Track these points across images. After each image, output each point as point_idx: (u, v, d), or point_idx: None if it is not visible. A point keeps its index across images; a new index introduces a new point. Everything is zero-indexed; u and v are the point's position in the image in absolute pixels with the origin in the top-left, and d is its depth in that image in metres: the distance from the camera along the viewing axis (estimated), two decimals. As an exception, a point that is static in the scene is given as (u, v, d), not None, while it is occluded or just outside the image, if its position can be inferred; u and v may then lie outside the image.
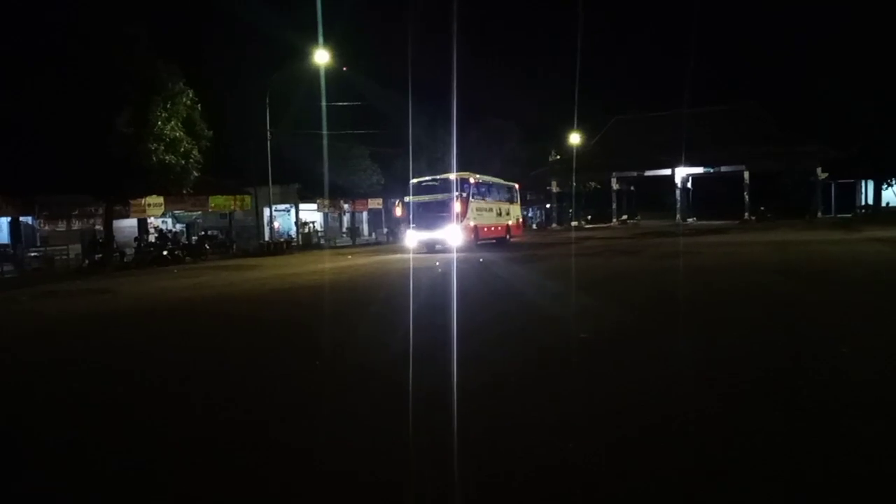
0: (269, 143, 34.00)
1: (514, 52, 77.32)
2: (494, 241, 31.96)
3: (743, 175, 53.49)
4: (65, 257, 27.85)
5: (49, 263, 26.79)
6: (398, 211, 32.46)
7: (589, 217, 61.66)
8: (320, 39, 31.65)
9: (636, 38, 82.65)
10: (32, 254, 27.40)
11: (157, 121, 24.79)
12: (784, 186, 52.92)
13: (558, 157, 60.17)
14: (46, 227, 28.79)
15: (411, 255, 25.40)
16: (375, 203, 48.35)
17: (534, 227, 62.04)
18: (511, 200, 35.50)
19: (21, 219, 28.36)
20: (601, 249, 25.53)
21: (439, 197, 28.53)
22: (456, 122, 48.14)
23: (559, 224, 60.41)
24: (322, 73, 33.96)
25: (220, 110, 29.07)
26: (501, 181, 35.44)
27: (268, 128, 33.89)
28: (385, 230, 46.97)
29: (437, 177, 30.44)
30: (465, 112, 50.56)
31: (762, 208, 52.48)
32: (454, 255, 24.28)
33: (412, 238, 28.80)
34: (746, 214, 52.20)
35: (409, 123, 36.65)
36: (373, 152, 43.29)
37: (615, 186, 60.47)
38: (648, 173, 58.81)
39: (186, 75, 26.14)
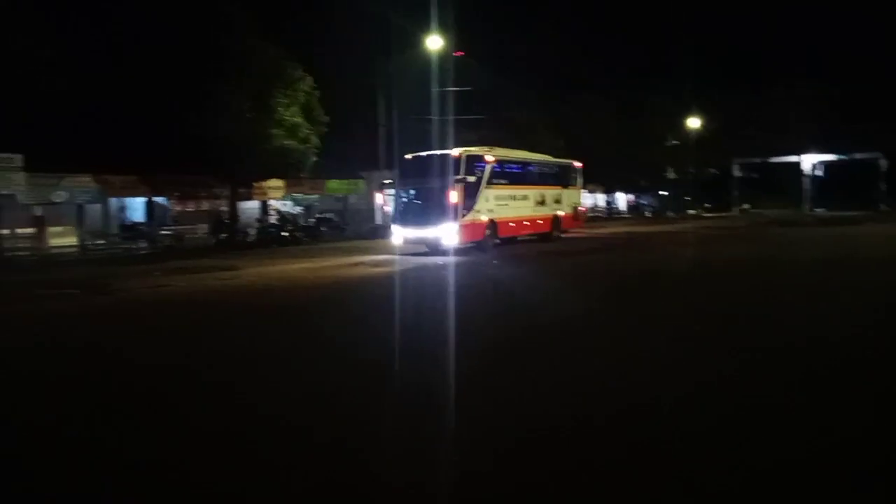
0: (381, 129, 34.71)
1: (628, 30, 74.75)
2: (531, 237, 25.66)
3: (879, 163, 49.74)
4: (193, 235, 29.59)
5: (179, 241, 28.57)
6: (378, 198, 26.32)
7: (707, 205, 59.21)
8: (433, 24, 31.85)
9: (759, 13, 77.72)
10: (164, 232, 29.28)
11: (279, 107, 25.88)
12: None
13: (675, 142, 58.00)
14: (177, 207, 30.74)
15: (397, 258, 20.13)
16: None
17: (648, 214, 60.27)
18: (563, 184, 28.06)
19: (155, 199, 30.35)
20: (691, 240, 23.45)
21: (432, 182, 21.38)
22: (559, 102, 47.32)
23: (675, 212, 58.38)
24: (434, 58, 34.19)
25: (333, 96, 29.87)
26: (546, 158, 28.68)
27: (380, 114, 34.57)
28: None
29: (435, 152, 22.98)
30: (571, 91, 49.38)
31: (900, 198, 48.73)
32: (451, 259, 18.94)
33: (397, 235, 22.19)
34: (882, 205, 48.56)
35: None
36: (480, 138, 43.24)
37: (736, 173, 57.78)
38: (773, 160, 55.82)
39: (302, 60, 27.06)
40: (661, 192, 64.36)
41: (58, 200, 25.64)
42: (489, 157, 22.96)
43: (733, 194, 57.64)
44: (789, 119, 52.78)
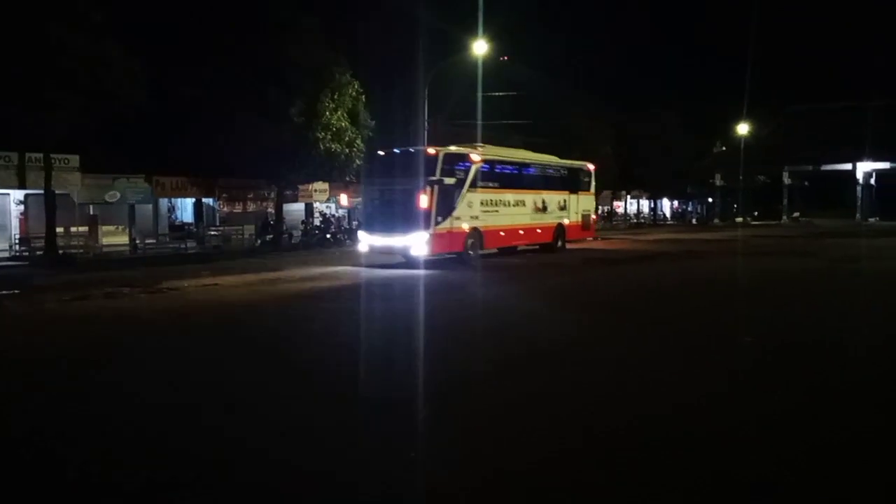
0: (426, 133, 34.69)
1: (679, 37, 73.89)
2: (529, 247, 23.86)
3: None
4: (240, 236, 30.02)
5: (226, 241, 29.01)
6: (343, 200, 23.78)
7: (755, 213, 57.97)
8: (480, 29, 31.72)
9: (812, 23, 76.04)
10: (212, 232, 29.77)
11: (325, 111, 26.12)
12: None
13: (724, 148, 56.93)
14: (225, 209, 31.23)
15: (359, 270, 18.50)
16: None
17: (693, 221, 59.28)
18: (571, 189, 25.60)
19: (203, 200, 30.88)
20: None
21: (404, 183, 18.92)
22: (615, 110, 46.81)
23: (721, 220, 57.26)
24: (479, 63, 34.08)
25: (379, 100, 30.01)
26: (550, 160, 25.97)
27: (425, 118, 34.58)
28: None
29: (410, 149, 20.41)
30: (630, 99, 48.96)
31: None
32: (421, 273, 17.18)
33: (364, 243, 19.89)
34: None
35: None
36: (527, 143, 43.03)
37: (786, 181, 56.48)
38: (825, 168, 54.46)
39: (348, 65, 27.24)
40: (709, 200, 63.29)
41: (111, 200, 26.24)
42: (475, 157, 20.36)
43: (783, 203, 56.33)
44: (843, 127, 51.40)
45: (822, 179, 57.41)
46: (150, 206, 28.60)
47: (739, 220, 54.13)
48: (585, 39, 53.13)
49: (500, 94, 36.12)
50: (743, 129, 52.63)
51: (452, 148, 20.49)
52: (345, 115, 27.16)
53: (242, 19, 24.61)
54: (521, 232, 22.59)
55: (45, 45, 19.26)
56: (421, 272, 17.19)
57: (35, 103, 19.64)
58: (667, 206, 66.54)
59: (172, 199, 30.56)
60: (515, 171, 23.03)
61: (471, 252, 19.86)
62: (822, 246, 25.29)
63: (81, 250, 24.71)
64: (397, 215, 18.77)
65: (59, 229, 23.72)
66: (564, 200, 24.99)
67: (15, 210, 25.32)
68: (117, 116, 21.41)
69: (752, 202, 59.14)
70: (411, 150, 20.10)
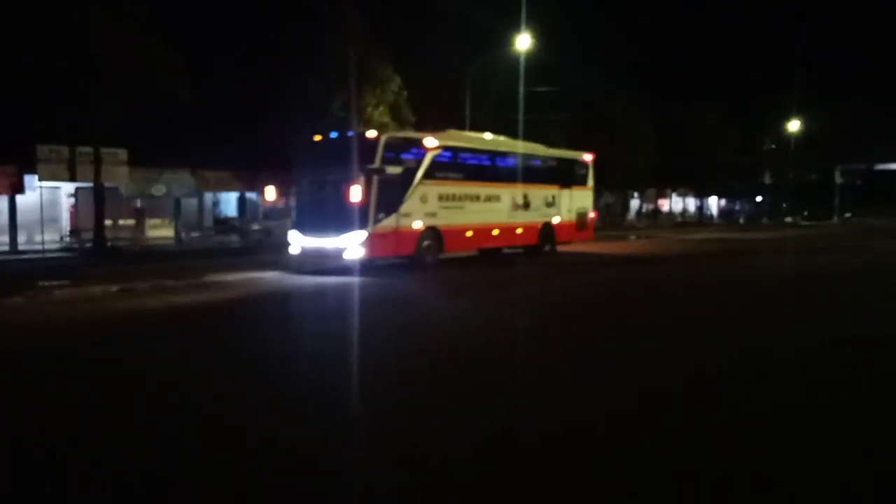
0: (466, 126, 34.58)
1: (725, 27, 72.20)
2: (514, 250, 20.75)
3: None
4: (282, 230, 30.38)
5: (268, 235, 29.39)
6: (268, 195, 20.64)
7: (805, 213, 56.54)
8: (522, 22, 31.50)
9: (865, 15, 73.45)
10: (255, 227, 30.20)
11: (367, 106, 26.27)
12: None
13: (773, 146, 55.64)
14: (267, 203, 31.65)
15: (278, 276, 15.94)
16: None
17: (741, 220, 58.09)
18: (563, 183, 21.90)
19: (247, 194, 31.35)
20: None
21: (339, 174, 15.79)
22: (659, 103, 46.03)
23: (770, 219, 55.93)
24: (522, 58, 33.85)
25: (421, 95, 30.04)
26: (536, 148, 22.09)
27: (466, 113, 34.50)
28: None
29: (349, 133, 17.17)
30: (675, 93, 48.17)
31: None
32: (356, 280, 14.47)
33: (295, 245, 17.17)
34: None
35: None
36: (570, 136, 42.63)
37: (838, 180, 54.87)
38: (879, 166, 52.75)
39: (390, 59, 27.32)
40: (757, 199, 62.01)
41: (157, 194, 26.84)
42: (430, 142, 17.01)
43: (835, 202, 54.80)
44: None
45: (876, 178, 55.70)
46: (195, 200, 29.19)
47: (789, 219, 52.80)
48: (628, 30, 52.20)
49: (541, 89, 35.78)
50: (793, 125, 51.33)
51: (404, 133, 17.51)
52: (386, 109, 27.30)
53: (284, 13, 24.92)
54: (496, 232, 19.17)
55: (92, 40, 19.76)
56: (355, 280, 14.56)
57: (83, 98, 20.17)
58: (714, 204, 65.34)
59: (217, 193, 31.12)
60: (487, 161, 19.45)
61: (426, 256, 16.86)
62: (875, 247, 24.45)
63: (128, 242, 25.34)
64: (329, 212, 16.10)
65: (108, 222, 24.35)
66: (553, 196, 21.54)
67: (66, 203, 26.07)
68: (162, 111, 21.85)
69: (802, 201, 57.75)
70: (349, 133, 17.03)
